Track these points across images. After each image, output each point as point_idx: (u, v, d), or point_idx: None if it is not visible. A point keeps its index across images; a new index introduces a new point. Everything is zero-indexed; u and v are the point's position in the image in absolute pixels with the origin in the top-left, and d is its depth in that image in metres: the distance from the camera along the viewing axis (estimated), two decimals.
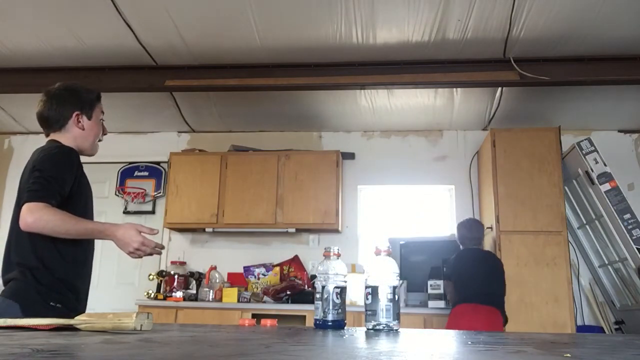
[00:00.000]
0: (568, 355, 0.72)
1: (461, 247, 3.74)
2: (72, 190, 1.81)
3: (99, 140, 2.05)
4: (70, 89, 2.02)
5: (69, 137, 1.95)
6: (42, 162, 1.79)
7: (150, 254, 1.79)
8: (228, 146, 4.79)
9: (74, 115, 1.94)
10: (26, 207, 1.68)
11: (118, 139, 5.09)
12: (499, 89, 4.09)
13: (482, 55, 3.63)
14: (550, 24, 3.26)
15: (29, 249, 1.75)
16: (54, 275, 1.77)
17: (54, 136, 1.96)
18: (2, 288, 1.79)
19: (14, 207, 1.84)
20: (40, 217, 1.65)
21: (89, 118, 1.98)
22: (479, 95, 4.24)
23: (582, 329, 4.16)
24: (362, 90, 4.16)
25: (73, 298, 1.82)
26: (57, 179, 1.76)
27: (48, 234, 1.68)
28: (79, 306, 1.85)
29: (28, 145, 5.16)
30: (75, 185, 1.83)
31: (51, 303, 1.74)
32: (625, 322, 4.09)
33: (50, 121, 1.95)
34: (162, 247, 1.84)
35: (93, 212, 1.99)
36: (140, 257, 1.78)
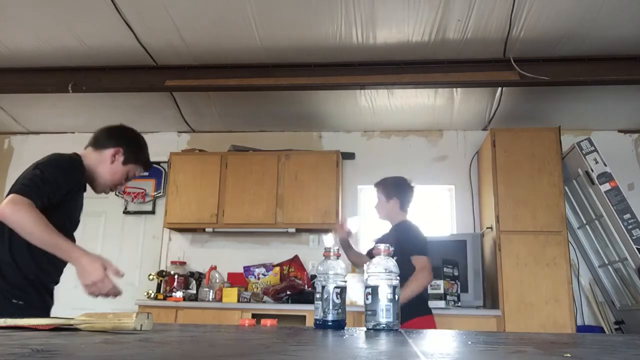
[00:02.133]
0: (568, 355, 0.72)
1: (401, 218, 2.89)
2: (62, 200, 1.80)
3: (111, 190, 2.06)
4: (141, 139, 2.09)
5: (94, 158, 1.98)
6: (46, 163, 1.80)
7: (106, 295, 1.71)
8: (228, 146, 4.79)
9: (117, 148, 1.98)
10: (10, 198, 1.66)
11: None
12: (499, 89, 4.09)
13: (482, 55, 3.63)
14: (550, 24, 3.26)
15: (5, 246, 1.75)
16: (20, 274, 1.76)
17: (85, 150, 2.01)
18: None
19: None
20: (17, 210, 1.63)
21: (124, 163, 2.01)
22: (479, 95, 4.24)
23: (582, 329, 4.16)
24: (362, 90, 4.16)
25: (37, 297, 1.82)
26: (52, 183, 1.75)
27: (16, 229, 1.66)
28: (43, 304, 1.85)
29: (28, 145, 5.16)
30: (67, 197, 1.82)
31: (13, 300, 1.74)
32: (625, 322, 4.09)
33: (96, 138, 2.02)
34: (119, 293, 1.75)
35: (72, 234, 1.96)
36: (94, 294, 1.70)
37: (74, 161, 1.89)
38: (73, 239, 1.93)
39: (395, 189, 2.91)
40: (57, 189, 1.77)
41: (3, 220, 1.66)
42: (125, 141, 2.01)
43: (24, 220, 1.64)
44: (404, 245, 2.73)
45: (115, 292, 1.73)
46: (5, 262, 1.75)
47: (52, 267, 1.87)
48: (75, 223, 1.97)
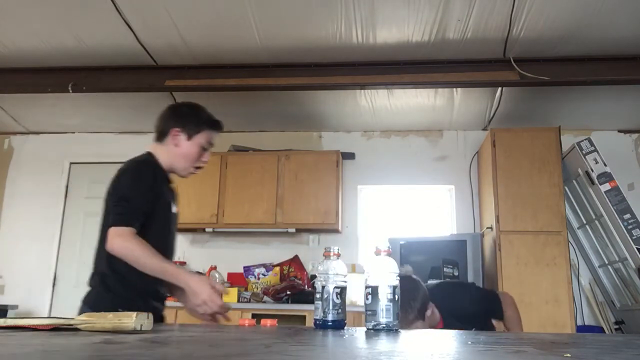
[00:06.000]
0: (568, 355, 0.72)
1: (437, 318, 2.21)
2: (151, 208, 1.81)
3: (197, 167, 2.00)
4: (190, 106, 2.01)
5: (163, 150, 1.95)
6: (123, 180, 1.82)
7: (215, 315, 1.71)
8: (228, 146, 4.79)
9: (172, 130, 1.93)
10: (114, 232, 1.70)
11: (118, 139, 5.08)
12: (499, 89, 4.09)
13: (482, 55, 3.62)
14: (550, 24, 3.26)
15: (103, 256, 1.79)
16: (122, 283, 1.78)
17: (152, 146, 1.97)
18: None
19: (102, 215, 1.83)
20: (126, 246, 1.69)
21: (189, 139, 1.93)
22: (479, 95, 4.24)
23: (582, 329, 4.16)
24: (362, 90, 4.16)
25: (142, 304, 1.79)
26: (137, 198, 1.77)
27: (128, 261, 1.70)
28: (147, 309, 1.83)
29: (28, 145, 5.16)
30: (154, 202, 1.82)
31: (119, 309, 1.75)
32: (625, 322, 4.09)
33: (156, 130, 1.97)
34: (229, 309, 1.76)
35: (173, 235, 1.95)
36: (206, 312, 1.71)
37: (141, 166, 1.88)
38: (172, 239, 1.94)
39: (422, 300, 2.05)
40: (144, 202, 1.79)
41: (114, 254, 1.70)
42: (177, 118, 1.95)
43: (136, 253, 1.69)
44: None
45: (224, 310, 1.73)
46: (106, 274, 1.79)
47: None
48: (171, 222, 1.94)
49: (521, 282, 3.80)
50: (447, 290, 2.48)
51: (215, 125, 2.00)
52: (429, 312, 2.05)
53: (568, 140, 4.21)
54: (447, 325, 2.12)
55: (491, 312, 2.41)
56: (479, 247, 4.06)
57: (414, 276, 2.09)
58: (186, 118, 1.95)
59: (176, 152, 1.94)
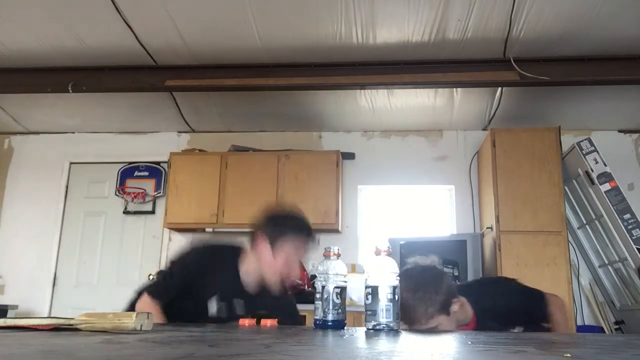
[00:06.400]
0: (568, 355, 0.72)
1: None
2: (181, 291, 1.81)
3: (286, 278, 1.80)
4: (280, 210, 1.93)
5: (251, 256, 1.81)
6: (181, 257, 1.84)
7: None
8: (228, 146, 4.79)
9: (257, 235, 1.78)
10: (144, 300, 1.76)
11: (118, 139, 5.08)
12: (499, 89, 4.09)
13: (482, 55, 3.62)
14: (550, 24, 3.26)
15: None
16: None
17: (246, 252, 1.84)
18: None
19: None
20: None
21: (272, 246, 1.75)
22: (479, 95, 4.24)
23: (582, 329, 4.16)
24: (362, 90, 4.16)
25: None
26: (175, 281, 1.79)
27: None
28: None
29: (28, 145, 5.16)
30: (186, 288, 1.80)
31: None
32: (625, 322, 4.09)
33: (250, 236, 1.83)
34: None
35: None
36: None
37: (204, 259, 1.81)
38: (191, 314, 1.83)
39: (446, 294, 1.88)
40: (180, 285, 1.79)
41: None
42: (262, 222, 1.79)
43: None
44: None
45: None
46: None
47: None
48: (202, 316, 1.78)
49: None
50: (481, 285, 2.29)
51: (304, 232, 1.79)
52: (455, 307, 1.82)
53: (568, 140, 4.21)
54: (480, 324, 1.95)
55: (533, 312, 2.18)
56: (479, 247, 4.06)
57: (439, 267, 1.92)
58: (270, 222, 1.79)
59: (263, 262, 1.76)
